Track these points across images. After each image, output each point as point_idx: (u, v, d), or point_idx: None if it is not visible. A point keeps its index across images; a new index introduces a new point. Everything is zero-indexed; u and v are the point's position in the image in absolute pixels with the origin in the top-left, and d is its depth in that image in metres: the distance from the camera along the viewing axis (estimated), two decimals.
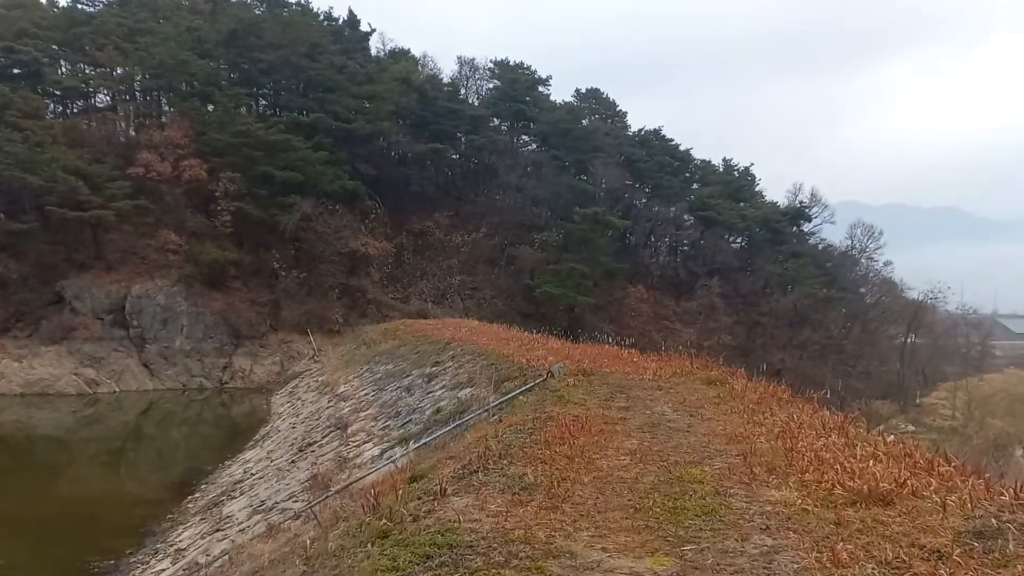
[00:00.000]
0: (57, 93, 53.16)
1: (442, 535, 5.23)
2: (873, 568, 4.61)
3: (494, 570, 4.58)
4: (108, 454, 31.37)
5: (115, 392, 40.79)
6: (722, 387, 12.43)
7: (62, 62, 53.68)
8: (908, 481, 6.10)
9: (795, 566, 4.71)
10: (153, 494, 23.41)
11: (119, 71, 53.02)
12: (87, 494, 24.35)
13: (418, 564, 4.73)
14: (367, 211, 53.94)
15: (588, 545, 5.14)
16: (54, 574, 16.20)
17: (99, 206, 42.60)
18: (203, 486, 23.14)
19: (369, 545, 5.28)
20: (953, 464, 6.67)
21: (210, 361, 44.70)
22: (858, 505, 5.79)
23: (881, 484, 5.99)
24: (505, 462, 7.30)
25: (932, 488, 5.94)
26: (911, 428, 50.90)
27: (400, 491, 6.59)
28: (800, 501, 5.91)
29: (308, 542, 6.47)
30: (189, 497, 21.99)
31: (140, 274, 45.01)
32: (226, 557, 11.09)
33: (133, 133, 52.63)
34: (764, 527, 5.43)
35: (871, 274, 78.78)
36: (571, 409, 10.24)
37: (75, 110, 55.03)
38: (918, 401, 70.24)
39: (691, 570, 4.73)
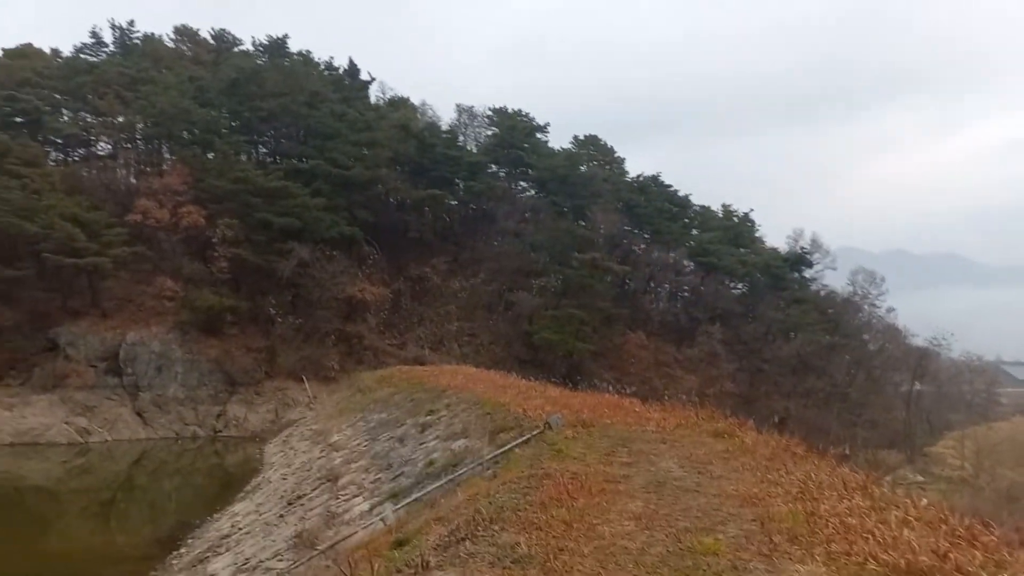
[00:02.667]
0: (58, 141, 53.33)
1: None
2: None
3: None
4: (98, 506, 30.48)
5: (107, 441, 39.91)
6: (731, 440, 11.74)
7: (64, 110, 53.80)
8: (950, 554, 5.43)
9: None
10: (140, 549, 22.48)
11: (120, 119, 53.10)
12: (73, 548, 23.48)
13: None
14: (365, 257, 53.60)
15: None
16: None
17: (96, 253, 42.19)
18: (190, 540, 22.25)
19: None
20: (997, 533, 5.99)
21: (204, 409, 43.87)
22: None
23: (920, 557, 5.33)
24: (496, 527, 6.62)
25: (978, 562, 5.27)
26: (920, 478, 49.76)
27: (377, 564, 5.90)
28: None
29: None
30: (174, 552, 21.09)
31: (136, 321, 44.45)
32: None
33: (133, 180, 52.58)
34: None
35: (874, 320, 78.06)
36: (570, 465, 9.56)
37: (76, 158, 55.04)
38: (925, 450, 68.96)
39: None
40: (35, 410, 39.02)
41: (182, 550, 21.12)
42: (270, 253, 47.80)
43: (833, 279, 77.57)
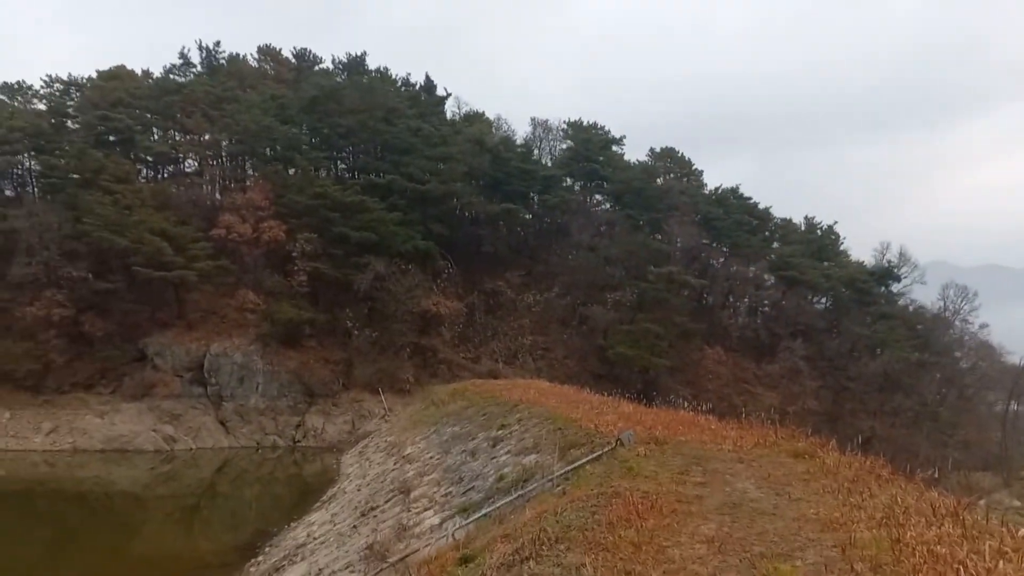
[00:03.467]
0: (148, 159, 55.58)
1: None
2: None
3: None
4: (181, 512, 31.45)
5: (191, 449, 41.21)
6: (811, 461, 11.21)
7: (154, 129, 56.12)
8: None
9: None
10: (220, 556, 23.05)
11: (207, 137, 55.16)
12: (158, 554, 24.27)
13: None
14: (439, 271, 54.08)
15: None
16: None
17: (182, 266, 43.80)
18: (267, 549, 22.67)
19: None
20: None
21: (284, 419, 44.89)
22: None
23: None
24: (562, 547, 6.42)
25: None
26: (1017, 503, 47.09)
27: None
28: None
29: None
30: (252, 560, 21.53)
31: (219, 332, 45.88)
32: None
33: (218, 196, 54.39)
34: None
35: (966, 337, 74.69)
36: (640, 483, 9.27)
37: (165, 175, 57.34)
38: (1022, 473, 65.37)
39: None
40: (124, 418, 40.61)
41: (260, 558, 21.54)
42: (347, 267, 48.73)
43: (922, 294, 74.60)
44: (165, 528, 29.04)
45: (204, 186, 55.48)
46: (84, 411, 40.71)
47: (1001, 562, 5.54)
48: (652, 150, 75.77)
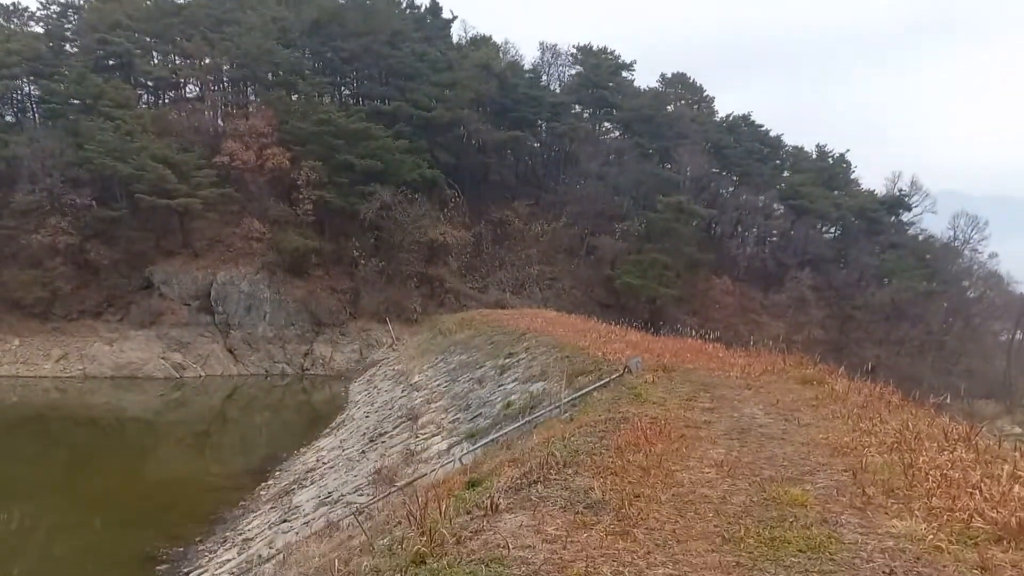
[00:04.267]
0: (149, 84, 54.69)
1: (487, 566, 4.34)
2: None
3: None
4: (193, 438, 31.86)
5: (200, 376, 41.63)
6: (820, 387, 11.15)
7: (153, 53, 54.99)
8: None
9: None
10: (231, 480, 23.34)
11: (207, 61, 54.02)
12: (169, 478, 24.58)
13: None
14: (446, 200, 53.57)
15: None
16: (124, 561, 16.04)
17: (186, 194, 43.48)
18: (277, 473, 23.01)
19: (399, 574, 4.44)
20: None
21: (292, 348, 45.20)
22: (1006, 544, 4.64)
23: None
24: (570, 472, 6.36)
25: None
26: (1017, 430, 47.60)
27: (445, 505, 5.73)
28: (930, 536, 4.79)
29: (335, 564, 5.68)
30: (263, 484, 21.86)
31: (225, 261, 45.85)
32: (279, 557, 10.52)
33: (220, 123, 53.62)
34: (887, 571, 4.35)
35: (975, 267, 74.38)
36: (648, 409, 9.21)
37: (166, 100, 56.46)
38: None
39: None
40: (133, 345, 40.92)
41: (270, 482, 21.88)
42: (353, 196, 48.31)
43: (933, 224, 74.03)
44: (177, 452, 29.47)
45: (206, 112, 54.65)
46: (93, 338, 41.01)
47: (1016, 486, 5.45)
48: (663, 76, 74.28)
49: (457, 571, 4.23)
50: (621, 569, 4.35)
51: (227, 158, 46.12)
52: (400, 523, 6.76)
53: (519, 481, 6.22)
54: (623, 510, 5.34)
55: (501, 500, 5.59)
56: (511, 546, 4.66)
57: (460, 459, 12.44)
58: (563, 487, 5.92)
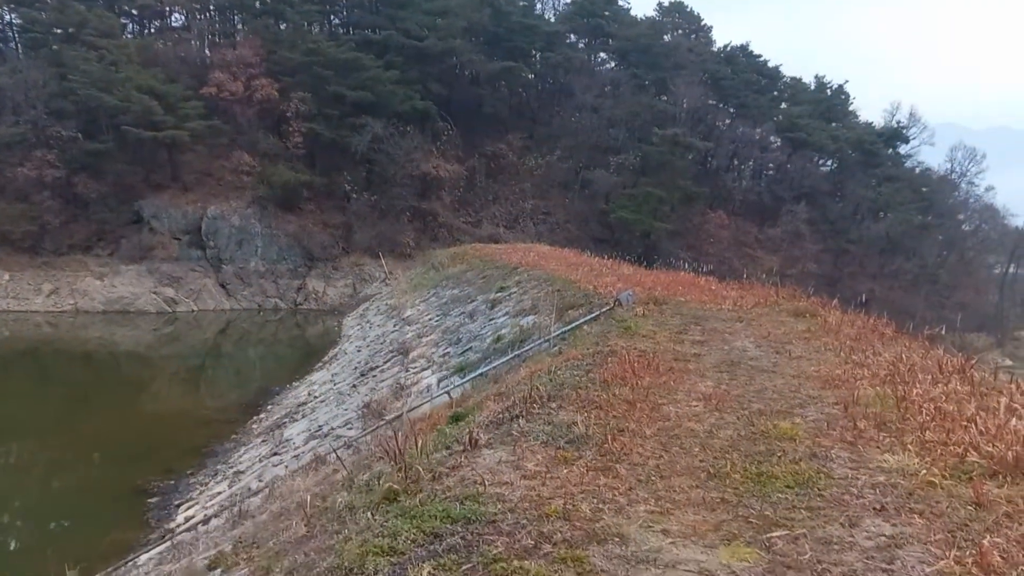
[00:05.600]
0: (133, 12, 53.11)
1: (461, 503, 4.17)
2: None
3: (516, 560, 3.50)
4: (187, 371, 31.91)
5: (193, 311, 41.49)
6: (812, 320, 10.99)
7: None
8: None
9: (927, 569, 3.49)
10: (224, 413, 23.39)
11: None
12: (162, 411, 24.64)
13: (421, 547, 3.67)
14: (438, 133, 52.64)
15: (645, 525, 4.00)
16: (113, 493, 16.10)
17: (173, 127, 42.62)
18: (270, 407, 23.06)
19: (370, 513, 4.27)
20: None
21: (284, 282, 45.00)
22: (1002, 478, 4.49)
23: None
24: (554, 406, 6.19)
25: None
26: (1008, 363, 48.05)
27: (423, 440, 5.57)
28: (923, 470, 4.63)
29: (308, 500, 5.53)
30: (255, 417, 21.91)
31: (215, 195, 45.27)
32: (267, 491, 10.47)
33: (207, 52, 52.28)
34: (878, 507, 4.19)
35: (971, 199, 74.13)
36: (638, 342, 9.04)
37: (151, 30, 54.94)
38: (1016, 334, 66.46)
39: (782, 569, 3.55)
40: (124, 280, 40.65)
41: (262, 415, 21.92)
42: (344, 128, 47.42)
43: (930, 156, 73.38)
44: (172, 386, 29.52)
45: (192, 42, 53.11)
46: (83, 273, 40.69)
47: (1013, 419, 5.29)
48: (660, 4, 72.33)
49: (430, 508, 4.06)
50: (601, 506, 4.19)
51: (214, 89, 45.09)
52: (381, 458, 6.62)
53: (501, 416, 6.06)
54: (606, 445, 5.17)
55: (481, 435, 5.42)
56: (488, 483, 4.50)
57: (449, 393, 12.32)
58: (545, 421, 5.75)
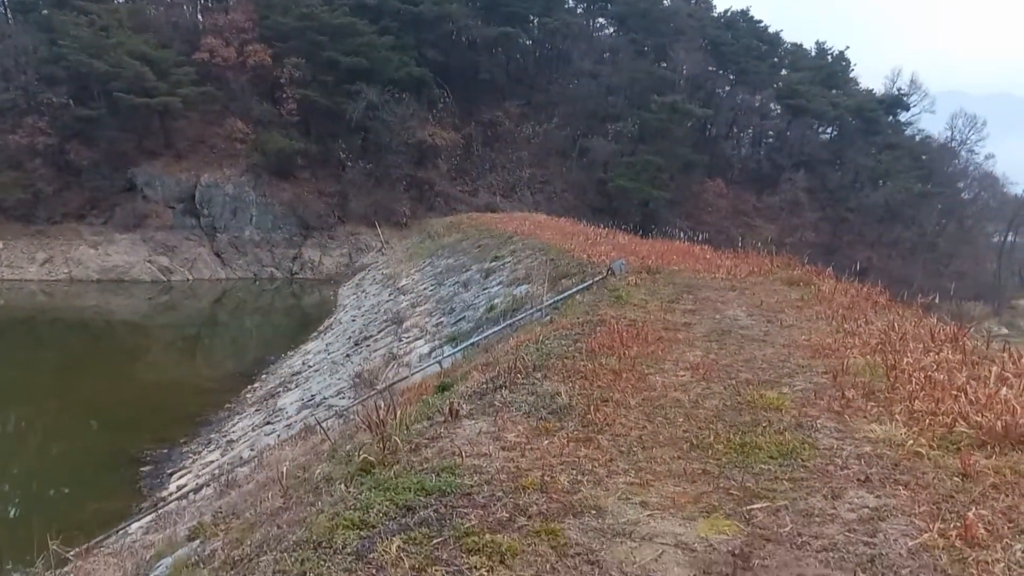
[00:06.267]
0: None
1: (437, 475, 4.09)
2: None
3: (489, 534, 3.42)
4: (183, 340, 31.88)
5: (188, 280, 41.32)
6: (806, 288, 10.90)
7: None
8: None
9: (910, 542, 3.41)
10: (219, 382, 23.37)
11: None
12: (158, 380, 24.57)
13: (392, 519, 3.59)
14: (435, 100, 52.01)
15: (623, 497, 3.92)
16: (107, 462, 16.10)
17: (166, 93, 42.05)
18: (264, 376, 23.07)
19: (344, 484, 4.19)
20: None
21: (280, 252, 44.75)
22: (990, 449, 4.42)
23: (1021, 420, 4.58)
24: (539, 376, 6.10)
25: None
26: (1005, 331, 48.05)
27: (404, 411, 5.48)
28: (910, 441, 4.55)
29: (285, 471, 5.46)
30: (249, 387, 21.91)
31: (209, 163, 44.84)
32: (256, 460, 10.45)
33: (199, 17, 51.54)
34: (863, 478, 4.12)
35: (971, 168, 73.68)
36: (628, 312, 8.94)
37: None
38: (1013, 303, 66.47)
39: (760, 542, 3.47)
40: (118, 248, 40.40)
41: (256, 384, 21.92)
42: (338, 95, 46.81)
43: (931, 124, 72.84)
44: (168, 355, 29.51)
45: (184, 6, 52.26)
46: (77, 241, 40.42)
47: (1003, 388, 5.20)
48: None
49: (405, 481, 3.97)
50: (580, 478, 4.11)
51: (207, 55, 44.45)
52: (364, 429, 6.55)
53: (485, 386, 5.97)
54: (589, 416, 5.09)
55: (463, 406, 5.33)
56: (466, 454, 4.42)
57: (440, 363, 12.28)
58: (529, 392, 5.67)
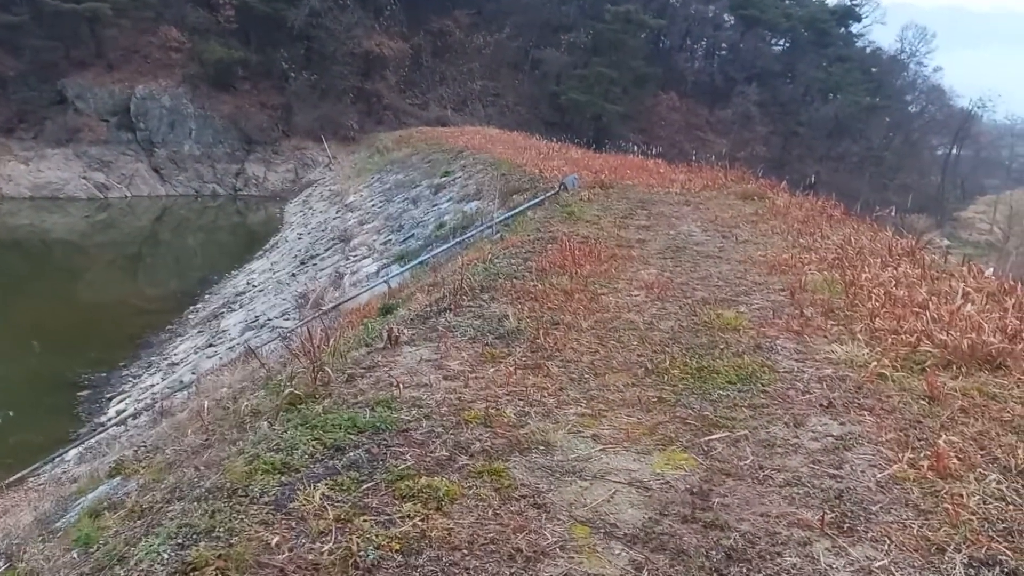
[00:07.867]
0: None
1: (372, 410, 3.75)
2: (999, 479, 3.10)
3: (425, 476, 3.10)
4: (124, 259, 30.87)
5: (127, 197, 39.66)
6: (761, 203, 10.70)
7: None
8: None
9: (878, 474, 3.20)
10: (161, 303, 22.64)
11: None
12: (97, 301, 23.76)
13: (318, 462, 3.25)
14: (381, 7, 49.71)
15: (574, 431, 3.64)
16: (44, 386, 15.50)
17: None
18: (207, 296, 22.39)
19: (268, 422, 3.83)
20: None
21: (222, 167, 43.07)
22: (957, 369, 4.23)
23: (987, 338, 4.39)
24: (486, 297, 5.76)
25: None
26: (947, 243, 49.14)
27: (338, 337, 5.11)
28: (873, 362, 4.34)
29: (207, 405, 5.07)
30: (192, 307, 21.25)
31: (143, 74, 42.49)
32: (194, 387, 10.04)
33: None
34: (826, 403, 3.90)
35: (919, 80, 73.99)
36: (581, 228, 8.61)
37: None
38: (955, 215, 67.99)
39: (720, 477, 3.23)
40: (51, 164, 38.44)
41: (199, 305, 21.25)
42: (279, 0, 44.47)
43: (882, 35, 72.71)
44: (107, 275, 28.49)
45: None
46: (7, 157, 38.27)
47: (968, 305, 5.01)
48: None
49: (335, 417, 3.63)
50: (527, 410, 3.82)
51: None
52: (292, 360, 6.17)
53: (428, 309, 5.61)
54: (538, 340, 4.78)
55: (404, 331, 4.97)
56: (405, 385, 4.08)
57: (387, 282, 11.87)
58: (475, 315, 5.33)
